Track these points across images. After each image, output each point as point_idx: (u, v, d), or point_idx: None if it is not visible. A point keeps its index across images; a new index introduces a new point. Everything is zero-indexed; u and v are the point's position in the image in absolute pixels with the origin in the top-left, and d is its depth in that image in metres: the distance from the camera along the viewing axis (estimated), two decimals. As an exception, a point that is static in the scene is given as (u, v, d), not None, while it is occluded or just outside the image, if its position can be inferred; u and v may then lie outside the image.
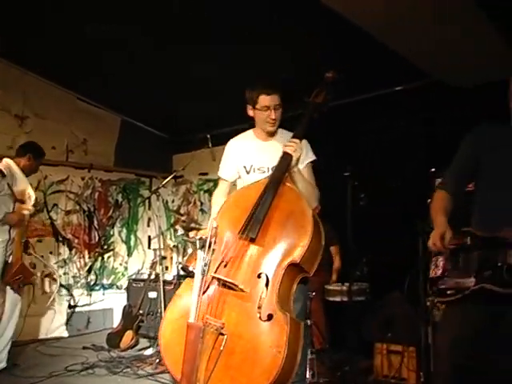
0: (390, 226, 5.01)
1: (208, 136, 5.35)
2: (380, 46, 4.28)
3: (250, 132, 3.51)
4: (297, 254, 2.77)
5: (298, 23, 4.56)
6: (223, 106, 6.36)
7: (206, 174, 7.63)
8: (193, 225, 5.88)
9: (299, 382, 2.93)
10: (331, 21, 4.16)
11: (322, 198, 4.98)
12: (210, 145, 5.38)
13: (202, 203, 7.72)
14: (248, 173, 3.35)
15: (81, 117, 7.09)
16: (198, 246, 2.91)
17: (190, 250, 5.68)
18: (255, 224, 2.85)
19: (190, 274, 5.53)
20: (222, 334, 2.63)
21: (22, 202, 4.93)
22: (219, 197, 3.46)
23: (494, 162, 2.84)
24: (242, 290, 2.74)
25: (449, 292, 2.68)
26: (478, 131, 3.05)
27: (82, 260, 6.84)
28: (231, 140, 3.53)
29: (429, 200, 4.42)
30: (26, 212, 4.96)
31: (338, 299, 4.92)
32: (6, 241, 4.82)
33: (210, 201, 7.54)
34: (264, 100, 3.26)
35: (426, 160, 4.88)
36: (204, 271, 2.79)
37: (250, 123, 6.66)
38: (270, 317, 2.63)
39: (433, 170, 4.53)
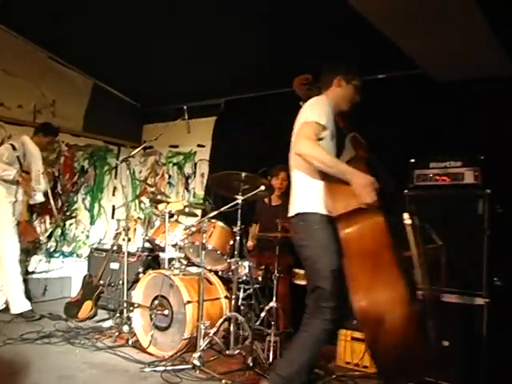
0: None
1: (184, 107, 5.18)
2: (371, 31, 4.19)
3: None
4: None
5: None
6: (196, 80, 6.26)
7: (176, 146, 7.49)
8: (159, 197, 5.71)
9: None
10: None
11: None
12: (186, 117, 5.21)
13: (170, 176, 7.58)
14: (332, 139, 3.30)
15: (52, 77, 6.83)
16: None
17: (157, 223, 5.54)
18: None
19: (156, 248, 5.48)
20: None
21: (28, 173, 5.67)
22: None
23: None
24: None
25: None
26: None
27: (42, 225, 6.61)
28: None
29: (406, 190, 4.44)
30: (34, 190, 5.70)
31: (305, 283, 4.86)
32: (12, 201, 5.56)
33: (178, 174, 7.44)
34: (360, 81, 3.40)
35: (405, 150, 4.82)
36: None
37: (225, 100, 6.66)
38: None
39: (412, 160, 4.51)
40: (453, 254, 4.04)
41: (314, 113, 3.17)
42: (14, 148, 5.59)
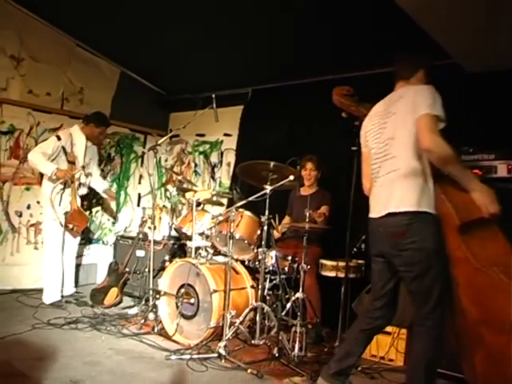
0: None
1: (213, 96, 5.15)
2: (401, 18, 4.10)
3: None
4: None
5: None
6: (223, 69, 6.25)
7: (203, 135, 7.47)
8: (186, 185, 5.70)
9: None
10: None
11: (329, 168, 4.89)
12: (215, 105, 5.18)
13: (196, 165, 7.57)
14: None
15: (79, 65, 6.88)
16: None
17: (183, 212, 5.52)
18: None
19: (182, 236, 5.48)
20: None
21: (73, 163, 5.74)
22: None
23: None
24: None
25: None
26: None
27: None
28: None
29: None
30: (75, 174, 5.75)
31: (332, 274, 4.83)
32: (60, 190, 5.69)
33: (204, 163, 7.42)
34: None
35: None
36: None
37: (252, 89, 6.62)
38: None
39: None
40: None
41: (436, 105, 3.00)
42: (59, 139, 5.67)
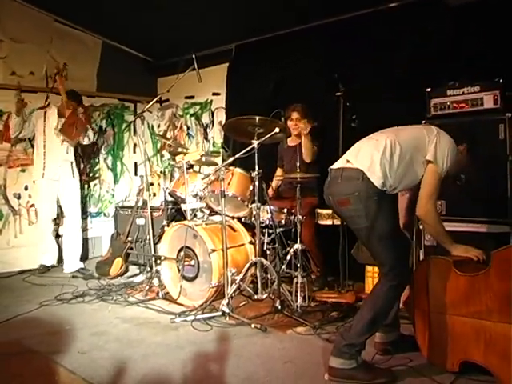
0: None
1: (193, 56, 5.04)
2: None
3: None
4: None
5: None
6: (205, 27, 6.13)
7: (192, 97, 7.41)
8: (180, 149, 5.67)
9: None
10: None
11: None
12: (196, 66, 5.08)
13: (188, 127, 7.53)
14: None
15: (60, 40, 6.78)
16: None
17: (176, 175, 5.50)
18: None
19: (178, 200, 5.48)
20: None
21: None
22: None
23: None
24: None
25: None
26: None
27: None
28: None
29: (423, 121, 4.28)
30: None
31: (329, 223, 4.84)
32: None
33: (196, 124, 7.38)
34: None
35: (421, 79, 4.63)
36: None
37: (236, 45, 6.52)
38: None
39: (428, 89, 4.35)
40: (476, 182, 3.95)
41: (448, 165, 3.05)
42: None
